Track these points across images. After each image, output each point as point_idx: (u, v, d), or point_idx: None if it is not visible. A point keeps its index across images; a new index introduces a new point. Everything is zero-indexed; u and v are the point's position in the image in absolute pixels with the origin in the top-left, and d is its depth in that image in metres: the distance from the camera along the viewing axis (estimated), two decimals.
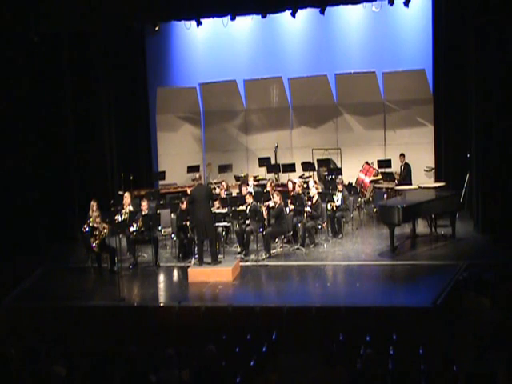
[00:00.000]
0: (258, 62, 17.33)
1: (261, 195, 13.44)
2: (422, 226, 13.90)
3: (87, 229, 11.99)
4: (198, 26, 13.91)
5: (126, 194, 13.21)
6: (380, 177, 15.62)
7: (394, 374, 7.10)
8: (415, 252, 12.52)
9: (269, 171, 16.66)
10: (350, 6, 14.59)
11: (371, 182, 15.61)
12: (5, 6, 13.08)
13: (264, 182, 15.66)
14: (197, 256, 11.99)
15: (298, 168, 16.25)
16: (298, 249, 12.88)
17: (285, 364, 7.88)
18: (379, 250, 12.57)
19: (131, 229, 12.41)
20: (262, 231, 12.54)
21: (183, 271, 11.98)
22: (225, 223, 12.81)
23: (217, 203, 13.33)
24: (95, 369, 6.98)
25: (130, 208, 12.84)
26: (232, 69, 17.27)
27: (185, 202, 12.60)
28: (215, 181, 16.20)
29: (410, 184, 15.31)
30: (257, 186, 15.23)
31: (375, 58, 16.47)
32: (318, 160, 16.57)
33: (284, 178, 16.16)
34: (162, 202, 14.46)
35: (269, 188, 13.92)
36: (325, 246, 13.20)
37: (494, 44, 12.40)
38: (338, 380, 6.73)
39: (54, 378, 6.87)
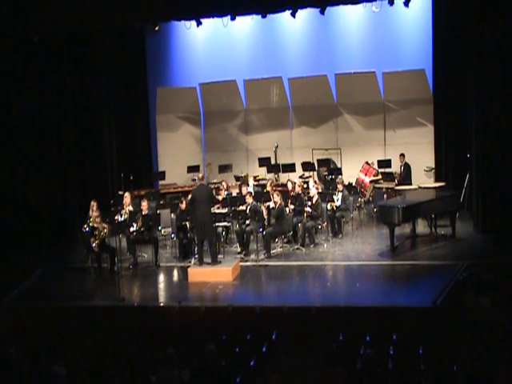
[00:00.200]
0: (258, 61, 17.32)
1: (261, 195, 13.42)
2: (421, 226, 13.88)
3: (87, 229, 11.98)
4: (198, 25, 13.90)
5: (126, 194, 13.20)
6: (380, 177, 15.62)
7: (393, 374, 7.10)
8: (415, 252, 12.50)
9: (269, 171, 16.66)
10: (349, 6, 14.57)
11: (371, 181, 15.62)
12: (5, 6, 13.08)
13: (264, 182, 15.65)
14: (197, 256, 12.00)
15: (298, 168, 16.25)
16: (297, 249, 12.89)
17: (285, 364, 7.87)
18: (379, 250, 12.57)
19: (131, 229, 12.40)
20: (262, 231, 12.55)
21: (183, 271, 11.98)
22: (225, 223, 12.81)
23: None
24: (95, 369, 6.98)
25: (130, 208, 12.84)
26: (232, 69, 17.28)
27: (184, 202, 12.62)
28: (215, 181, 16.22)
29: (410, 184, 15.30)
30: (257, 186, 15.22)
31: (375, 57, 16.46)
32: (318, 160, 16.57)
33: (284, 178, 16.16)
34: (161, 202, 14.47)
35: (269, 188, 13.92)
36: (325, 245, 13.19)
37: (494, 44, 12.40)
38: (338, 380, 6.73)
39: (54, 378, 6.86)
